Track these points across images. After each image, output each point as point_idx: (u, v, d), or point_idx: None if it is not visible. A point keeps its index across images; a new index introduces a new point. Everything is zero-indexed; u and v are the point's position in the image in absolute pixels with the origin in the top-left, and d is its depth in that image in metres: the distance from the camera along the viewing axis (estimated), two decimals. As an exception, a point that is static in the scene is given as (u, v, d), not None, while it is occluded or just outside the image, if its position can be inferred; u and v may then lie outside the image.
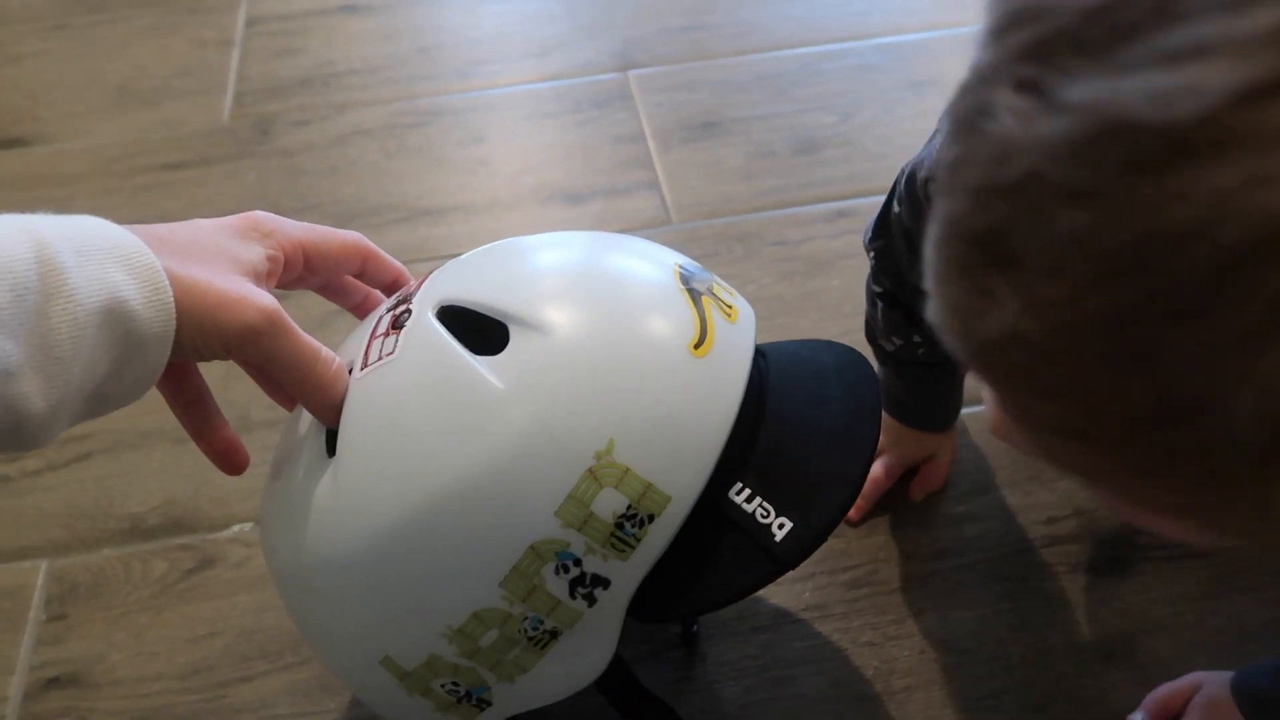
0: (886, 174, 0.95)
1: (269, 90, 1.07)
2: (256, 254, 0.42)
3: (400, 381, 0.42)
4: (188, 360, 0.41)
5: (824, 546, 0.67)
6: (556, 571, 0.40)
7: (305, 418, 0.46)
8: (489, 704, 0.45)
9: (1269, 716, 0.53)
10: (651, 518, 0.40)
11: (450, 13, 1.17)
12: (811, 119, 0.99)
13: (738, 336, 0.45)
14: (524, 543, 0.40)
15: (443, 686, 0.44)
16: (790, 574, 0.65)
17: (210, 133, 1.03)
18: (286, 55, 1.12)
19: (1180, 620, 0.63)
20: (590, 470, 0.40)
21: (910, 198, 0.53)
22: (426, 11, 1.17)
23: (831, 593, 0.65)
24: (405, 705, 0.46)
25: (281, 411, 0.50)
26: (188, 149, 1.01)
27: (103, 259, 0.36)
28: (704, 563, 0.42)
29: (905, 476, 0.69)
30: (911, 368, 0.63)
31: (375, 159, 0.99)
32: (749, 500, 0.42)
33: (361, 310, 0.51)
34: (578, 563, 0.40)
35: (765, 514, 0.42)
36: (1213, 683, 0.56)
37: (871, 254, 0.60)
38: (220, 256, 0.40)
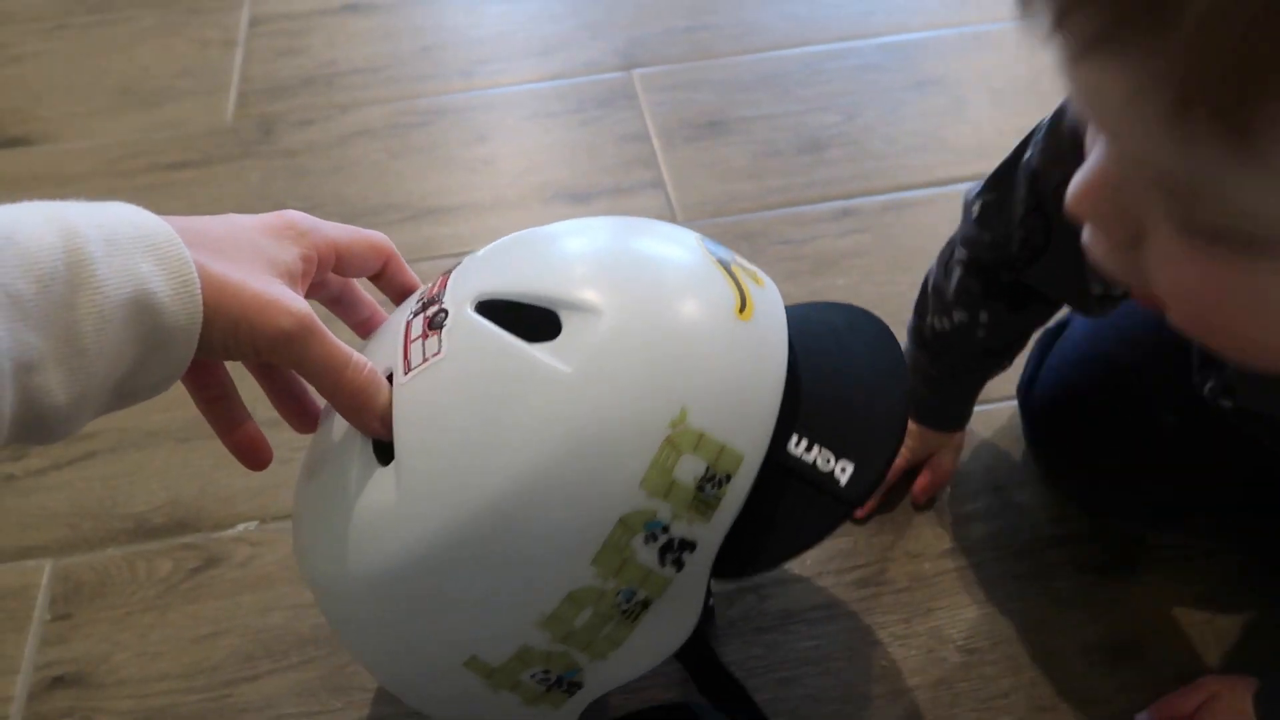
0: (891, 173, 0.96)
1: (272, 90, 1.07)
2: (291, 255, 0.42)
3: (457, 379, 0.42)
4: (215, 359, 0.41)
5: (831, 546, 0.67)
6: (646, 541, 0.41)
7: (340, 421, 0.45)
8: (580, 686, 0.45)
9: None
10: (729, 477, 0.42)
11: (453, 12, 1.17)
12: (815, 118, 0.99)
13: (770, 299, 0.46)
14: (613, 517, 0.41)
15: (532, 677, 0.44)
16: (797, 573, 0.65)
17: (213, 133, 1.02)
18: (289, 55, 1.12)
19: (1190, 620, 0.62)
20: (668, 439, 0.41)
21: (1052, 136, 0.51)
22: (429, 10, 1.17)
23: (839, 592, 0.64)
24: (486, 705, 0.45)
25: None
26: (191, 149, 1.01)
27: (132, 248, 0.35)
28: (776, 515, 0.43)
29: (910, 478, 0.69)
30: (950, 356, 0.61)
31: (379, 158, 0.99)
32: (808, 450, 0.44)
33: (366, 328, 0.51)
34: (665, 530, 0.41)
35: (827, 461, 0.43)
36: (1228, 690, 0.55)
37: (976, 206, 0.57)
38: (257, 256, 0.40)
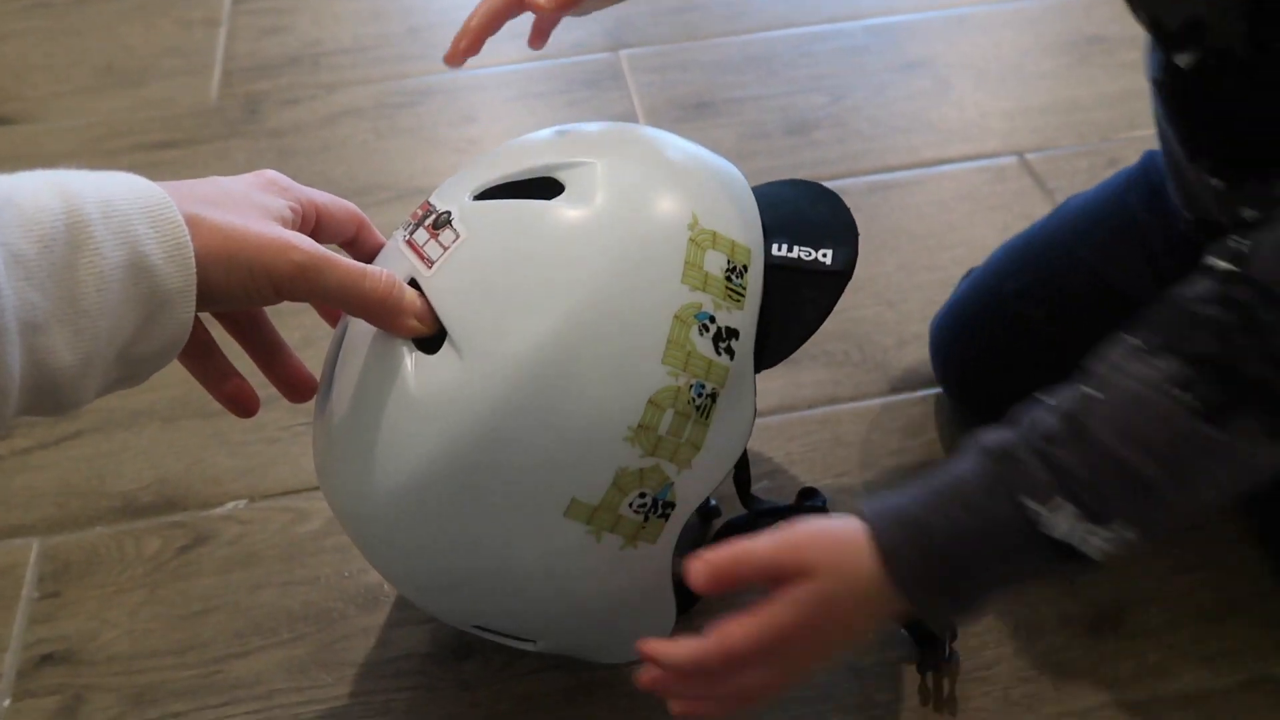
0: (877, 154, 0.96)
1: (257, 69, 1.07)
2: (281, 205, 0.43)
3: (487, 249, 0.46)
4: (237, 308, 0.43)
5: (818, 522, 0.67)
6: (700, 332, 0.46)
7: (352, 359, 0.47)
8: (673, 505, 0.48)
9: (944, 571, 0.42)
10: (745, 268, 0.48)
11: (440, -8, 1.16)
12: (803, 100, 1.00)
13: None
14: (668, 315, 0.45)
15: (631, 505, 0.46)
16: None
17: (198, 112, 1.02)
18: (275, 34, 1.11)
19: (1168, 592, 0.63)
20: (691, 239, 0.47)
21: None
22: (416, -9, 1.17)
23: (825, 567, 0.65)
24: (591, 564, 0.47)
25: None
26: (176, 129, 1.00)
27: (128, 212, 0.36)
28: (788, 303, 0.50)
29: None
30: None
31: (366, 138, 0.98)
32: (789, 251, 0.50)
33: (329, 312, 0.52)
34: (712, 320, 0.46)
35: (808, 254, 0.51)
36: (831, 573, 0.43)
37: None
38: (252, 206, 0.41)
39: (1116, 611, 0.63)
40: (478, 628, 0.53)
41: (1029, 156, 0.92)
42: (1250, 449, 0.41)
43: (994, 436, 0.44)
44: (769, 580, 0.43)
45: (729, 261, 0.47)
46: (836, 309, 0.76)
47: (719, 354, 0.47)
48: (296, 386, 0.49)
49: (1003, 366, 0.68)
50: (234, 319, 0.48)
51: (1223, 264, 0.42)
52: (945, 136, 0.95)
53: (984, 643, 0.62)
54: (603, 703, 0.60)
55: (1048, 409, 0.43)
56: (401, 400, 0.45)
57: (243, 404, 0.46)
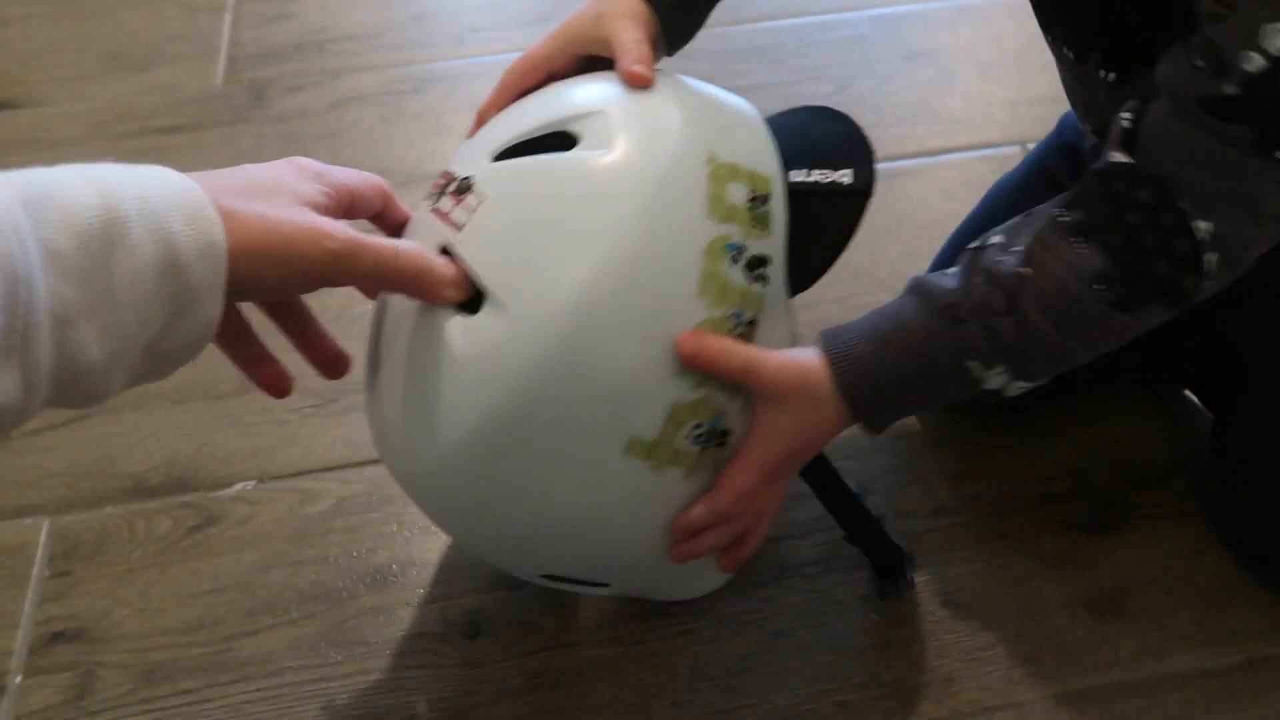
0: (882, 143, 0.95)
1: (262, 55, 1.07)
2: (314, 189, 0.44)
3: (515, 206, 0.47)
4: (274, 297, 0.44)
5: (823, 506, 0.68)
6: (731, 262, 0.48)
7: (398, 332, 0.48)
8: (728, 432, 0.50)
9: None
10: (767, 197, 0.50)
11: (444, -20, 1.16)
12: (808, 89, 1.00)
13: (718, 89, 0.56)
14: (699, 249, 0.47)
15: (687, 437, 0.48)
16: (790, 530, 0.67)
17: (204, 97, 1.02)
18: (280, 20, 1.11)
19: (1171, 575, 0.64)
20: (711, 174, 0.48)
21: None
22: (420, -22, 1.17)
23: (832, 548, 0.66)
24: (655, 499, 0.49)
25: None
26: (181, 114, 1.00)
27: (164, 210, 0.36)
28: (813, 226, 0.51)
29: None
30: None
31: (372, 125, 0.98)
32: (809, 175, 0.52)
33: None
34: (742, 249, 0.48)
35: (826, 176, 0.52)
36: (796, 406, 0.51)
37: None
38: (284, 194, 0.42)
39: (1118, 593, 0.63)
40: (547, 577, 0.54)
41: (1031, 146, 0.93)
42: (1152, 320, 0.50)
43: (941, 293, 0.50)
44: (739, 384, 0.50)
45: (751, 191, 0.49)
46: (843, 293, 0.78)
47: (752, 282, 0.48)
48: (331, 364, 0.50)
49: None
50: (268, 301, 0.48)
51: (1120, 156, 0.47)
52: (949, 126, 0.95)
53: (986, 625, 0.62)
54: (612, 680, 0.60)
55: (988, 280, 0.49)
56: (452, 364, 0.46)
57: (279, 386, 0.47)
